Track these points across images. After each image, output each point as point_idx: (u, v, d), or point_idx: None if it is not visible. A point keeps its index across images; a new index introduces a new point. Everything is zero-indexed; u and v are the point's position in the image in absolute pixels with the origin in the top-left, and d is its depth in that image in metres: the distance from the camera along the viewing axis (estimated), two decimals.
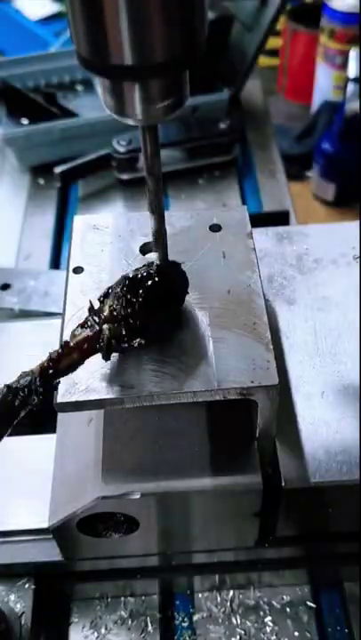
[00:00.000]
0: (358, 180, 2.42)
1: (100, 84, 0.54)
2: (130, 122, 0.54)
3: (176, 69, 0.50)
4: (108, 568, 0.82)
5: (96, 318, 0.62)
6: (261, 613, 0.84)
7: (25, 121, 1.50)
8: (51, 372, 0.60)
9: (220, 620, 0.83)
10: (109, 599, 0.85)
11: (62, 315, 0.69)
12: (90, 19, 0.46)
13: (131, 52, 0.46)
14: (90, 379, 0.62)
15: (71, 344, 0.61)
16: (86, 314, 0.65)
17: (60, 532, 0.73)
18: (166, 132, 1.37)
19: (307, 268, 0.88)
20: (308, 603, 0.85)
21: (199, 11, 0.48)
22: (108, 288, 0.65)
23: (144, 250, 0.74)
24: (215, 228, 0.76)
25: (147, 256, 0.74)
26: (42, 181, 1.49)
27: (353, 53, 2.27)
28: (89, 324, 0.62)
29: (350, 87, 2.25)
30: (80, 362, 0.61)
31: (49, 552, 0.78)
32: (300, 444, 0.71)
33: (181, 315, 0.67)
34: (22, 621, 0.77)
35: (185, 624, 0.84)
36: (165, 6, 0.45)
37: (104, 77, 0.52)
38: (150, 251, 0.73)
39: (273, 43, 2.92)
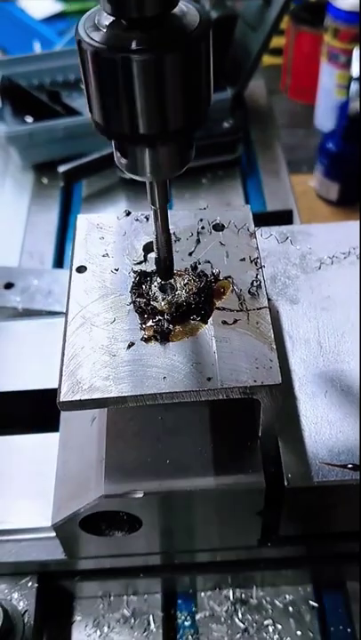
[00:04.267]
0: None
1: (112, 145, 0.58)
2: (141, 179, 0.59)
3: (184, 135, 0.55)
4: (111, 567, 0.82)
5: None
6: (264, 613, 0.84)
7: (29, 119, 1.50)
8: None
9: (222, 619, 0.83)
10: (112, 598, 0.85)
11: (65, 314, 0.69)
12: (106, 95, 0.51)
13: (143, 123, 0.51)
14: (93, 377, 0.62)
15: None
16: (89, 313, 0.67)
17: (63, 531, 0.73)
18: None
19: (310, 267, 0.88)
20: (311, 602, 0.85)
21: (205, 85, 0.53)
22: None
23: (147, 249, 0.74)
24: (219, 227, 0.76)
25: (149, 255, 0.74)
26: (45, 180, 1.49)
27: (356, 52, 2.27)
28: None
29: (354, 86, 2.24)
30: None
31: (52, 550, 0.78)
32: (303, 444, 0.71)
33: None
34: (25, 619, 0.77)
35: (187, 623, 0.84)
36: (174, 87, 0.50)
37: (118, 142, 0.57)
38: (153, 249, 0.73)
39: (277, 42, 2.92)
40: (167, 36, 0.49)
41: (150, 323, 0.67)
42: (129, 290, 0.70)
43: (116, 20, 0.49)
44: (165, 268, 0.69)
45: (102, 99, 0.51)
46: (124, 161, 0.58)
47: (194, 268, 0.72)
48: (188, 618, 0.84)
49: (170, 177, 0.60)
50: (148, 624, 0.83)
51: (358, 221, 0.92)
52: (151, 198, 0.63)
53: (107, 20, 0.50)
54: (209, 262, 0.72)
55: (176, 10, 0.50)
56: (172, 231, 0.67)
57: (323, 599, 0.85)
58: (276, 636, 0.82)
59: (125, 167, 0.58)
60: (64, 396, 0.61)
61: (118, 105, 0.50)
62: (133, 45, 0.48)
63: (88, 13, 0.51)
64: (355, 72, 2.25)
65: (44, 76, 1.61)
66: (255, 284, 0.70)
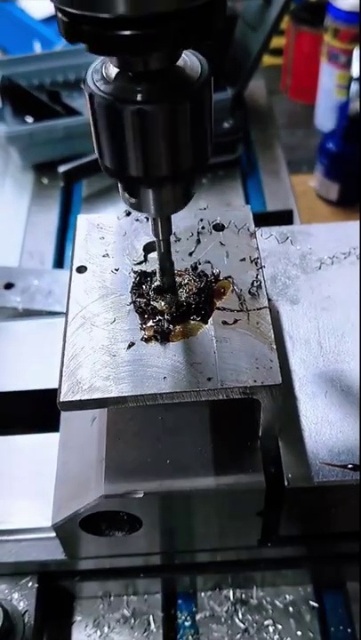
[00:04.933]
0: None
1: (119, 184, 0.61)
2: (146, 215, 0.63)
3: (185, 177, 0.58)
4: (111, 567, 0.82)
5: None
6: (264, 613, 0.84)
7: (29, 119, 1.50)
8: None
9: (222, 620, 0.83)
10: (112, 598, 0.85)
11: (66, 314, 0.69)
12: (114, 142, 0.54)
13: (148, 167, 0.54)
14: (93, 377, 0.62)
15: None
16: (89, 313, 0.67)
17: (63, 531, 0.73)
18: None
19: (310, 267, 0.88)
20: (311, 602, 0.84)
21: (207, 130, 0.57)
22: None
23: (147, 249, 0.74)
24: (219, 227, 0.76)
25: (149, 255, 0.74)
26: (45, 180, 1.49)
27: (356, 52, 2.27)
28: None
29: (354, 86, 2.24)
30: None
31: (52, 551, 0.78)
32: (304, 444, 0.71)
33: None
34: (25, 620, 0.77)
35: (188, 623, 0.84)
36: (177, 137, 0.53)
37: (125, 183, 0.59)
38: (153, 249, 0.73)
39: (277, 42, 2.92)
40: (171, 87, 0.51)
41: (150, 323, 0.67)
42: (129, 290, 0.70)
43: (122, 71, 0.51)
44: (168, 292, 0.70)
45: (109, 144, 0.54)
46: (129, 199, 0.60)
47: (194, 268, 0.72)
48: (189, 618, 0.84)
49: (174, 213, 0.62)
50: (149, 624, 0.83)
51: (358, 221, 0.92)
52: (155, 231, 0.64)
53: (113, 71, 0.52)
54: (209, 262, 0.72)
55: (180, 61, 0.52)
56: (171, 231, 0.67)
57: (323, 599, 0.85)
58: (277, 636, 0.82)
59: (130, 204, 0.61)
60: (64, 397, 0.61)
61: (124, 150, 0.53)
62: (139, 97, 0.51)
63: (95, 64, 0.54)
64: (355, 72, 2.25)
65: (44, 76, 1.61)
66: (255, 284, 0.70)
